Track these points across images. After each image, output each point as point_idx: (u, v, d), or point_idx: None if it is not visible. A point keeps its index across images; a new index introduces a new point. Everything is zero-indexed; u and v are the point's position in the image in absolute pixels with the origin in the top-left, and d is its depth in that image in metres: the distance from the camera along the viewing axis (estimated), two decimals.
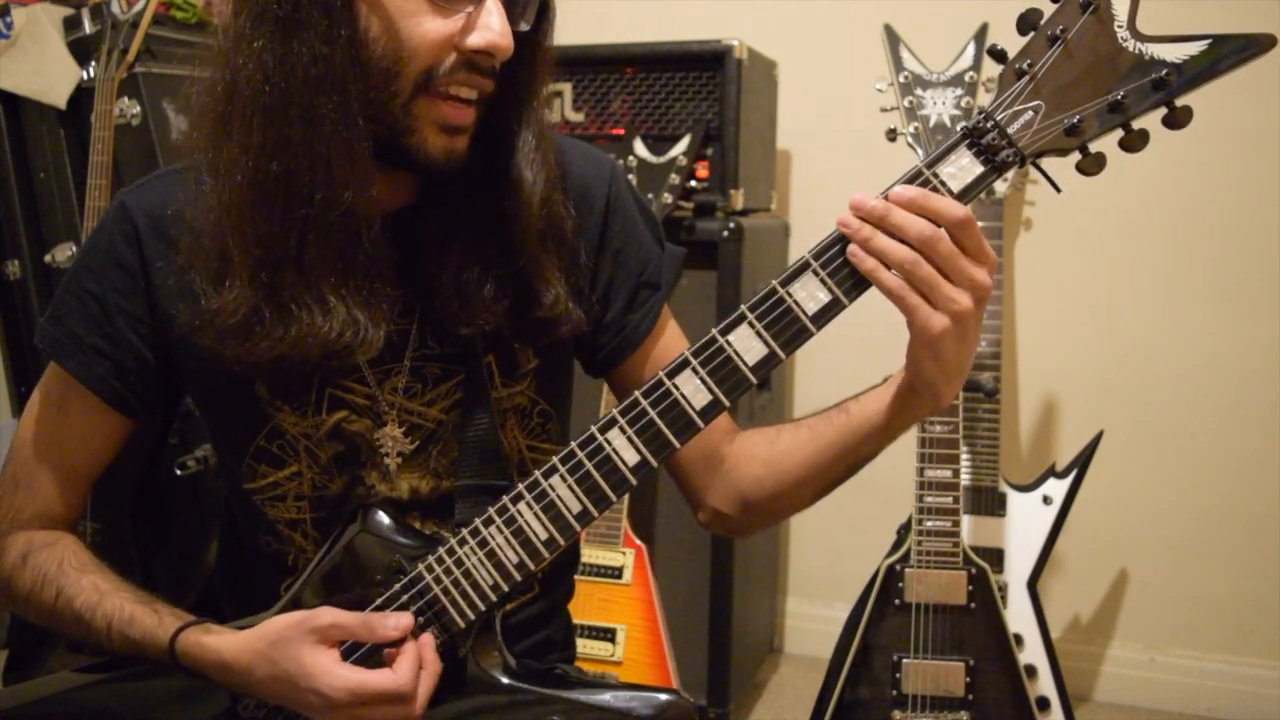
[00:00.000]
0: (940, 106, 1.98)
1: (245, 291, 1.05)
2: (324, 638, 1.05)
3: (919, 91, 1.99)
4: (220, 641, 1.09)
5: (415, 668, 1.05)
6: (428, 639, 1.08)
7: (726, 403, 1.00)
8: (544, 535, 1.06)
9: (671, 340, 1.28)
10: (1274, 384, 2.60)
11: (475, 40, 1.01)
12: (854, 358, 2.72)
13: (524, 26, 1.08)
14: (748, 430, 1.26)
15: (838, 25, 2.82)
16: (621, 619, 2.23)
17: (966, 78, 1.98)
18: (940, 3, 2.57)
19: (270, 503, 1.20)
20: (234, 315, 1.05)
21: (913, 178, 0.95)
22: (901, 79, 2.00)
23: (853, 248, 0.96)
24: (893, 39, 2.04)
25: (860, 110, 2.25)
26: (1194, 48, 0.88)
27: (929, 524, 2.03)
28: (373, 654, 1.07)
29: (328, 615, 1.05)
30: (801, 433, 1.18)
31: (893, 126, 2.00)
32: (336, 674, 1.02)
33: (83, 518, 1.29)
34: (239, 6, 1.03)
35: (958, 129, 0.96)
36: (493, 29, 1.01)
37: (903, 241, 0.95)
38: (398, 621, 1.07)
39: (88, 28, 2.45)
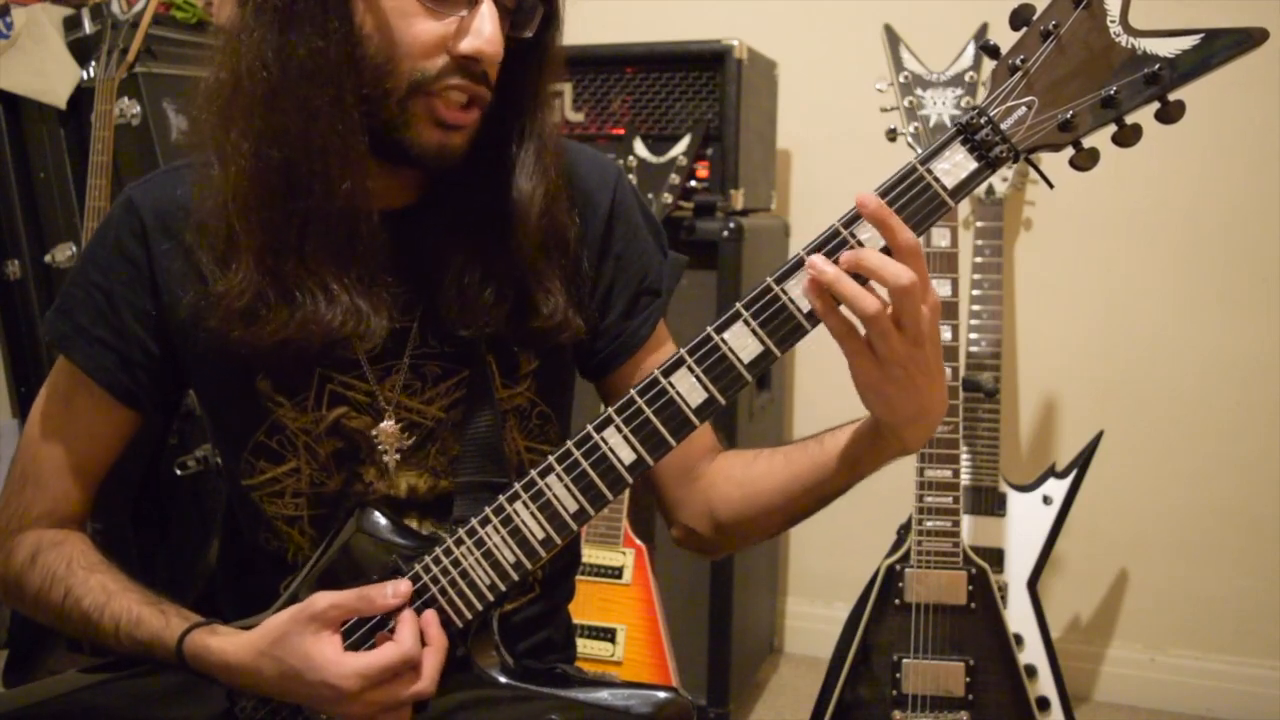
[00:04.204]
0: (940, 106, 1.98)
1: (251, 275, 1.06)
2: (325, 622, 1.04)
3: (919, 91, 2.00)
4: (225, 644, 1.09)
5: (416, 634, 1.04)
6: (431, 615, 1.07)
7: (722, 400, 1.00)
8: (541, 535, 1.06)
9: (666, 349, 1.28)
10: (1274, 384, 2.60)
11: (464, 46, 1.02)
12: None
13: (527, 34, 1.08)
14: (729, 451, 1.27)
15: (838, 25, 2.82)
16: (621, 619, 2.23)
17: (967, 78, 1.98)
18: (940, 3, 2.57)
19: (268, 499, 1.20)
20: (240, 298, 1.06)
21: (907, 174, 0.94)
22: (901, 79, 2.00)
23: (809, 282, 0.95)
24: (893, 39, 2.04)
25: (860, 110, 2.25)
26: (1186, 42, 0.88)
27: (929, 524, 2.03)
28: (370, 629, 1.07)
29: (323, 599, 1.05)
30: (777, 459, 1.18)
31: (893, 126, 2.00)
32: (342, 662, 1.02)
33: (90, 516, 1.28)
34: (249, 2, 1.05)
35: (948, 124, 0.95)
36: (482, 35, 1.01)
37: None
38: (396, 589, 1.06)
39: (88, 28, 2.46)
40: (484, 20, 1.02)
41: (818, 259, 0.94)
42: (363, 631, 1.07)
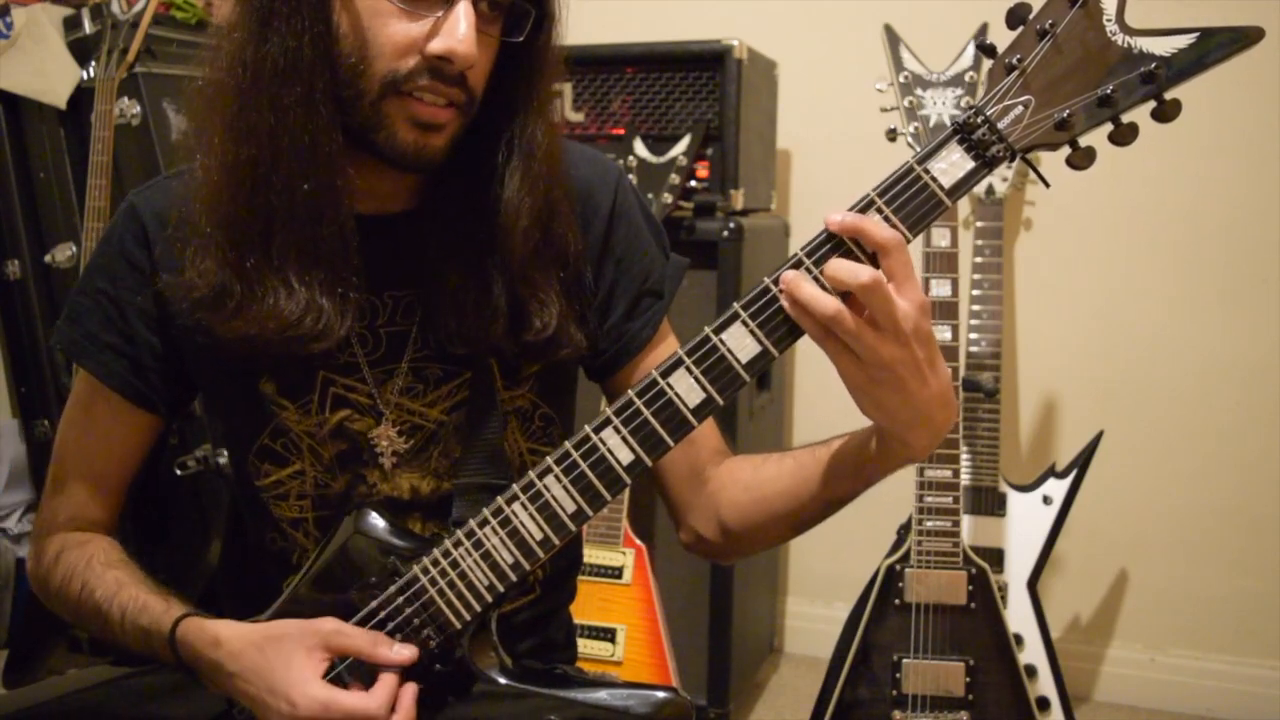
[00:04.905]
0: (940, 106, 1.98)
1: (214, 266, 1.07)
2: (327, 647, 1.04)
3: (919, 91, 2.00)
4: (220, 625, 1.09)
5: (390, 697, 1.03)
6: (411, 689, 1.06)
7: (720, 400, 1.00)
8: (539, 535, 1.05)
9: (669, 350, 1.27)
10: (1274, 384, 2.59)
11: (435, 45, 1.01)
12: None
13: (517, 37, 1.08)
14: (737, 456, 1.26)
15: (838, 25, 2.82)
16: (621, 619, 2.23)
17: (966, 78, 1.98)
18: (940, 3, 2.57)
19: (274, 501, 1.21)
20: (203, 288, 1.08)
21: (904, 174, 0.94)
22: (901, 79, 2.00)
23: (783, 293, 0.95)
24: (893, 39, 2.04)
25: (860, 110, 2.24)
26: (1182, 41, 0.88)
27: (929, 524, 2.03)
28: (355, 676, 1.07)
29: (332, 623, 1.05)
30: (786, 463, 1.17)
31: (893, 126, 2.00)
32: (312, 685, 1.01)
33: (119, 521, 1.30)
34: (236, 1, 1.05)
35: (948, 124, 0.95)
36: (455, 35, 1.00)
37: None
38: (401, 651, 1.05)
39: (88, 28, 2.46)
40: (458, 20, 1.01)
41: (788, 274, 0.95)
42: (343, 666, 1.07)
